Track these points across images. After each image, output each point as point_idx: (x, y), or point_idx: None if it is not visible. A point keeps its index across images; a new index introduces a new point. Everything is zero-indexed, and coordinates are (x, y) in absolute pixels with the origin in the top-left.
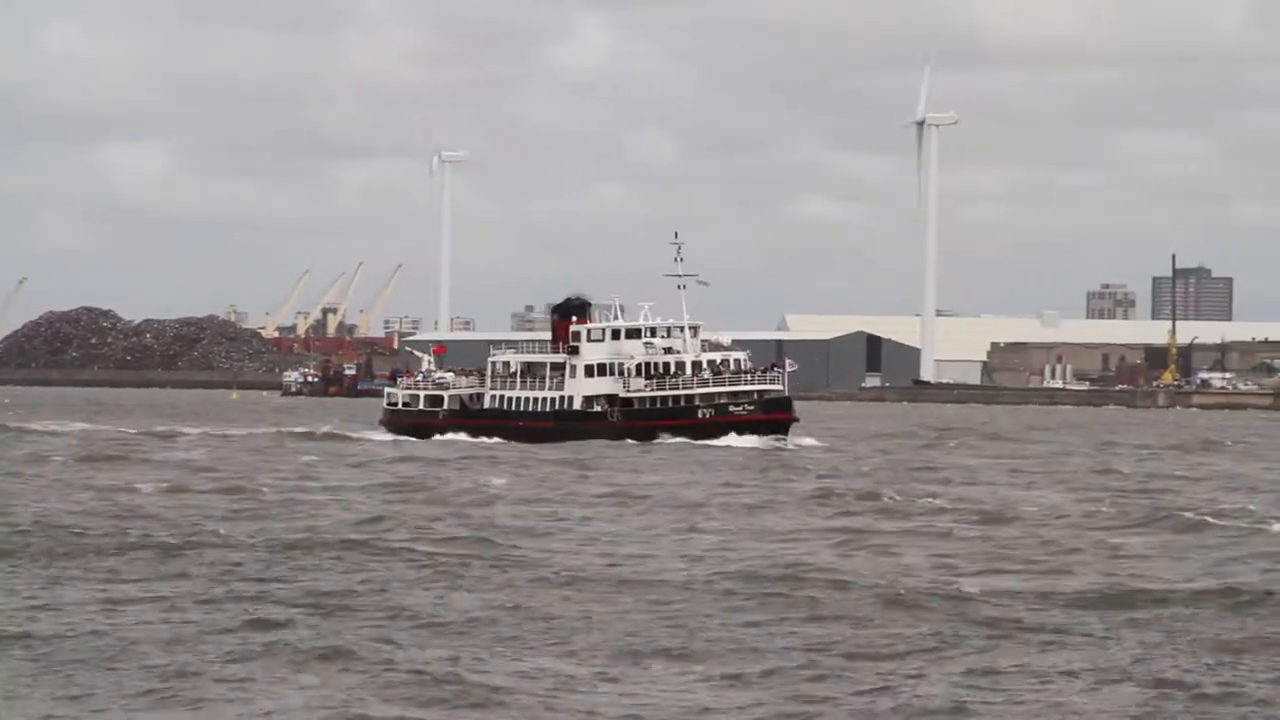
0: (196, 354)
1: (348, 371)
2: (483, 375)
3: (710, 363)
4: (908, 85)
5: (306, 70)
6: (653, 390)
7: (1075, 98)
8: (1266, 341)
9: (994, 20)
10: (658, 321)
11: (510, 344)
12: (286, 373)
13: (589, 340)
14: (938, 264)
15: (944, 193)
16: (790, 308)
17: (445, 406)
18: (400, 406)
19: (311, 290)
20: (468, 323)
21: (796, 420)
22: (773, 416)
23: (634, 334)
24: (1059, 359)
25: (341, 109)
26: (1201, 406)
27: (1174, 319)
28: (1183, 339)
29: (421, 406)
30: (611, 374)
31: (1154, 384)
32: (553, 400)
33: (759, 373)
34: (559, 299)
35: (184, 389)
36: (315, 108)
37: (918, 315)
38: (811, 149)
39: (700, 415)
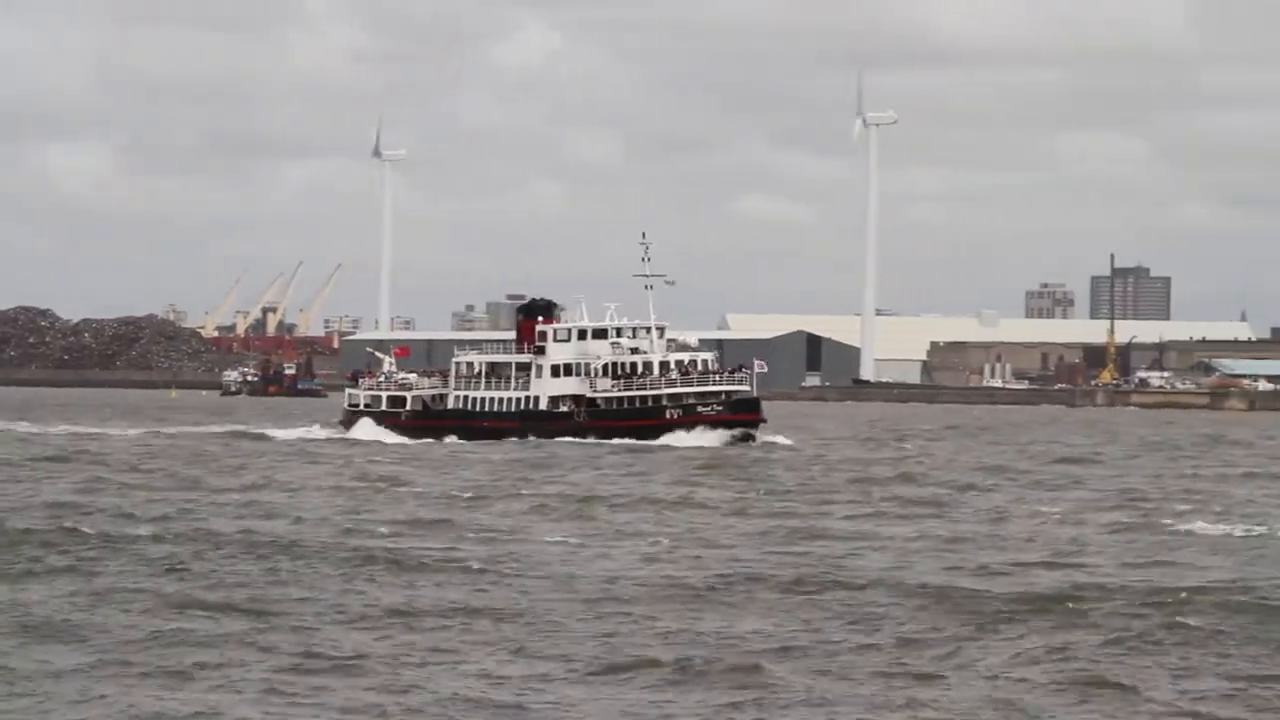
0: (135, 353)
1: (287, 371)
2: (445, 376)
3: (678, 363)
4: (850, 85)
5: (246, 69)
6: (620, 390)
7: (1015, 98)
8: (1204, 341)
9: (935, 20)
10: (624, 322)
11: (472, 344)
12: (226, 372)
13: (555, 340)
14: (877, 263)
15: (884, 192)
16: (731, 307)
17: (408, 407)
18: (362, 407)
19: (250, 289)
20: (408, 322)
21: (764, 421)
22: (740, 417)
23: (600, 334)
24: (998, 358)
25: (281, 108)
26: (1140, 406)
27: (1112, 318)
28: (1121, 338)
29: (384, 407)
30: (578, 374)
31: (1092, 383)
32: (518, 400)
33: (726, 374)
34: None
35: (123, 389)
36: (255, 106)
37: (858, 315)
38: (752, 149)
39: (668, 415)
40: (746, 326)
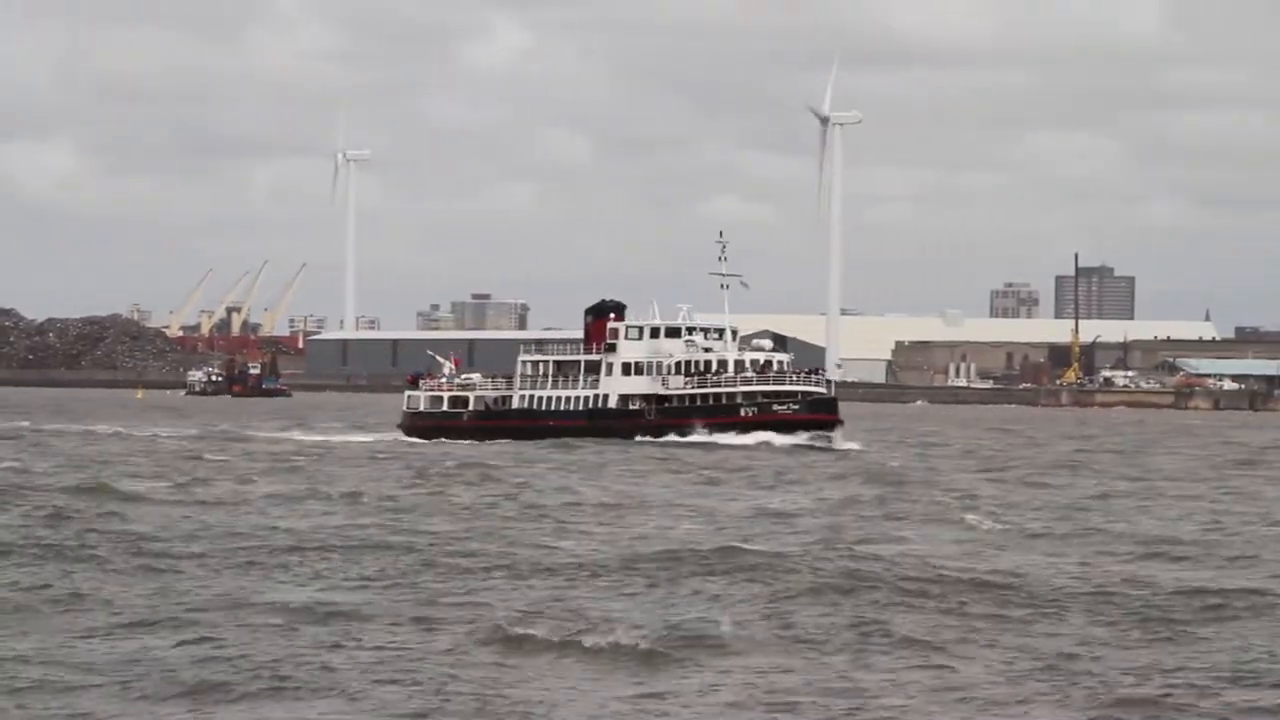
0: (100, 353)
1: (252, 370)
2: (509, 378)
3: (753, 362)
4: (816, 85)
5: (213, 68)
6: (693, 388)
7: (981, 98)
8: (1169, 340)
9: (902, 21)
10: (697, 321)
11: (536, 345)
12: (191, 372)
13: (626, 338)
14: (842, 263)
15: (849, 192)
16: (697, 307)
17: (470, 408)
18: (422, 409)
19: (215, 289)
20: (373, 322)
21: (841, 422)
22: (817, 417)
23: (673, 333)
24: (963, 358)
25: (249, 108)
26: (1104, 405)
27: (1077, 318)
28: (1085, 338)
29: (445, 408)
30: (649, 372)
31: (1057, 382)
32: (587, 399)
33: (803, 374)
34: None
35: (87, 389)
36: (222, 106)
37: (823, 314)
38: (720, 149)
39: (743, 414)
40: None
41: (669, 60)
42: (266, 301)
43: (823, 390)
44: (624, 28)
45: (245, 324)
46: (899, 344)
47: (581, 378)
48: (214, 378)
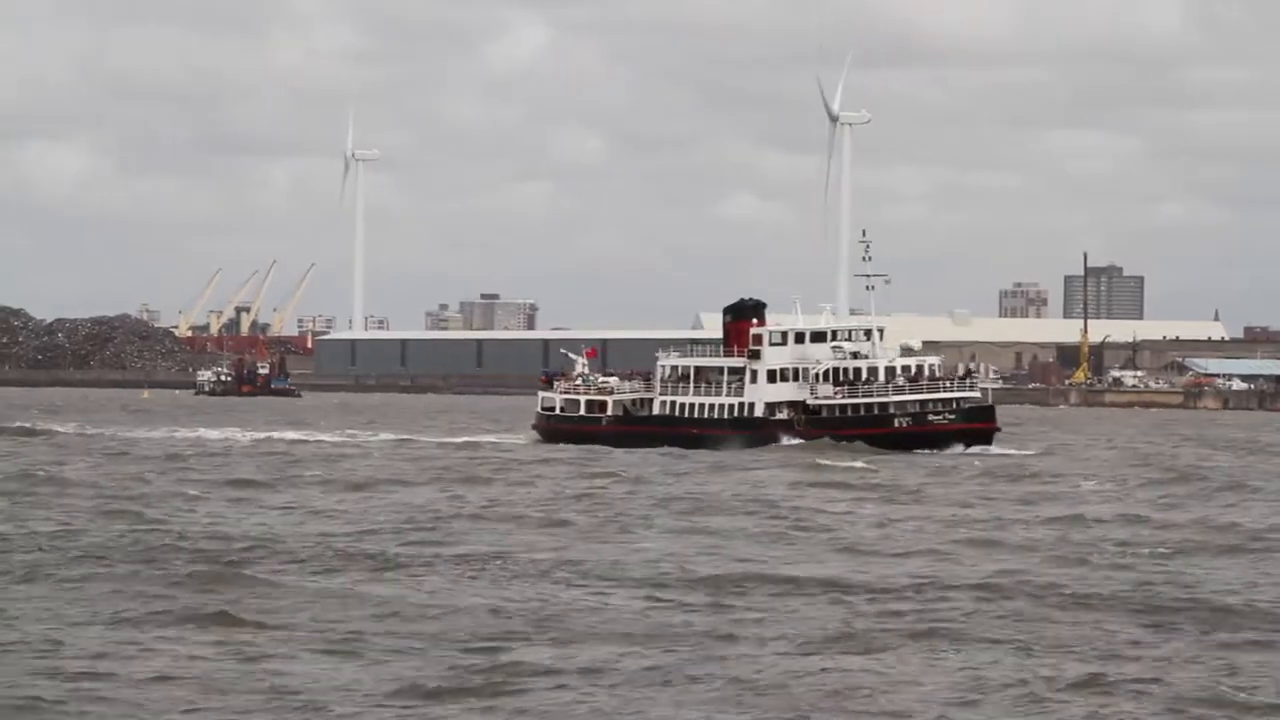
0: (109, 353)
1: (261, 370)
2: (647, 380)
3: (904, 368)
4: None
5: (224, 68)
6: (843, 397)
7: (990, 98)
8: (1178, 340)
9: (916, 19)
10: (843, 324)
11: (675, 346)
12: (199, 372)
13: (770, 344)
14: (850, 262)
15: (860, 191)
16: (708, 306)
17: (609, 412)
18: (558, 412)
19: (224, 289)
20: (381, 322)
21: (999, 430)
22: (974, 426)
23: (819, 337)
24: (972, 358)
25: (265, 107)
26: (1114, 405)
27: (1086, 318)
28: (1095, 338)
29: (582, 412)
30: (796, 379)
31: (1066, 382)
32: (731, 407)
33: (957, 379)
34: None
35: (97, 389)
36: (232, 106)
37: (834, 313)
38: (734, 147)
39: (897, 424)
40: (720, 325)
41: (684, 59)
42: (275, 301)
43: (978, 396)
44: (639, 27)
45: (254, 324)
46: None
47: (725, 384)
48: (223, 378)
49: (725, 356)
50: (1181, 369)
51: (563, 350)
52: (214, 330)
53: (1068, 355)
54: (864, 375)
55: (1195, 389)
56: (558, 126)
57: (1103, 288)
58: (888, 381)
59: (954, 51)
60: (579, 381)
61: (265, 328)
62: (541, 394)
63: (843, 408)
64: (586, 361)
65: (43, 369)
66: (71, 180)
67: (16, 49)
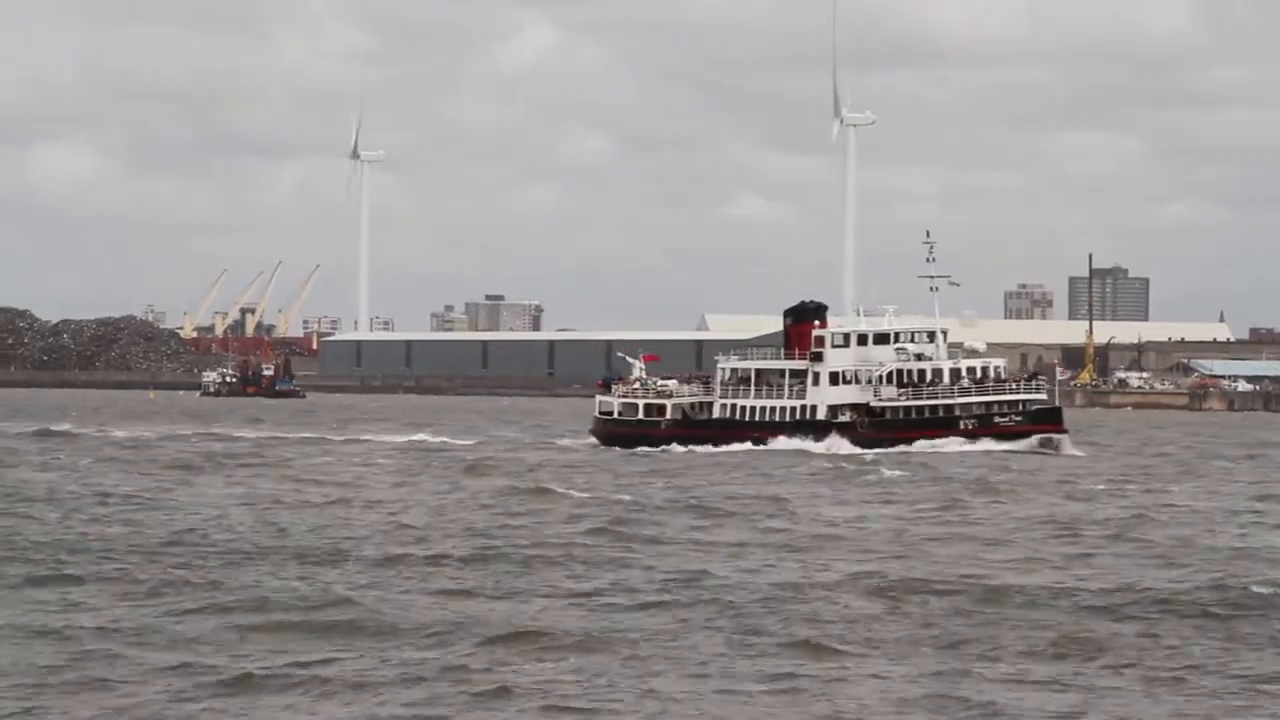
0: (114, 354)
1: (265, 372)
2: (705, 383)
3: (969, 370)
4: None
5: (230, 69)
6: (907, 400)
7: (996, 98)
8: (1183, 342)
9: (917, 19)
10: (907, 325)
11: (736, 348)
12: (205, 373)
13: (833, 346)
14: (857, 263)
15: (866, 192)
16: (712, 307)
17: (668, 416)
18: (616, 415)
19: (230, 290)
20: (387, 323)
21: (1066, 433)
22: (1042, 428)
23: (882, 339)
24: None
25: (266, 107)
26: (1119, 406)
27: (1091, 319)
28: (1100, 339)
29: (640, 416)
30: (859, 382)
31: (1072, 384)
32: (793, 410)
33: (1023, 380)
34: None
35: (103, 389)
36: (238, 106)
37: (838, 316)
38: (740, 148)
39: (962, 426)
40: (726, 327)
41: (689, 60)
42: (280, 302)
43: (1044, 398)
44: (640, 26)
45: (259, 325)
46: None
47: (786, 387)
48: (228, 379)
49: (786, 359)
50: (1187, 370)
51: (619, 353)
52: (219, 331)
53: (1073, 356)
54: (928, 377)
55: (1200, 390)
56: (561, 127)
57: (1108, 289)
58: (953, 383)
59: (954, 52)
60: (637, 385)
61: (270, 329)
62: (599, 398)
63: (906, 410)
64: (644, 365)
65: (48, 370)
66: (73, 181)
67: (17, 49)
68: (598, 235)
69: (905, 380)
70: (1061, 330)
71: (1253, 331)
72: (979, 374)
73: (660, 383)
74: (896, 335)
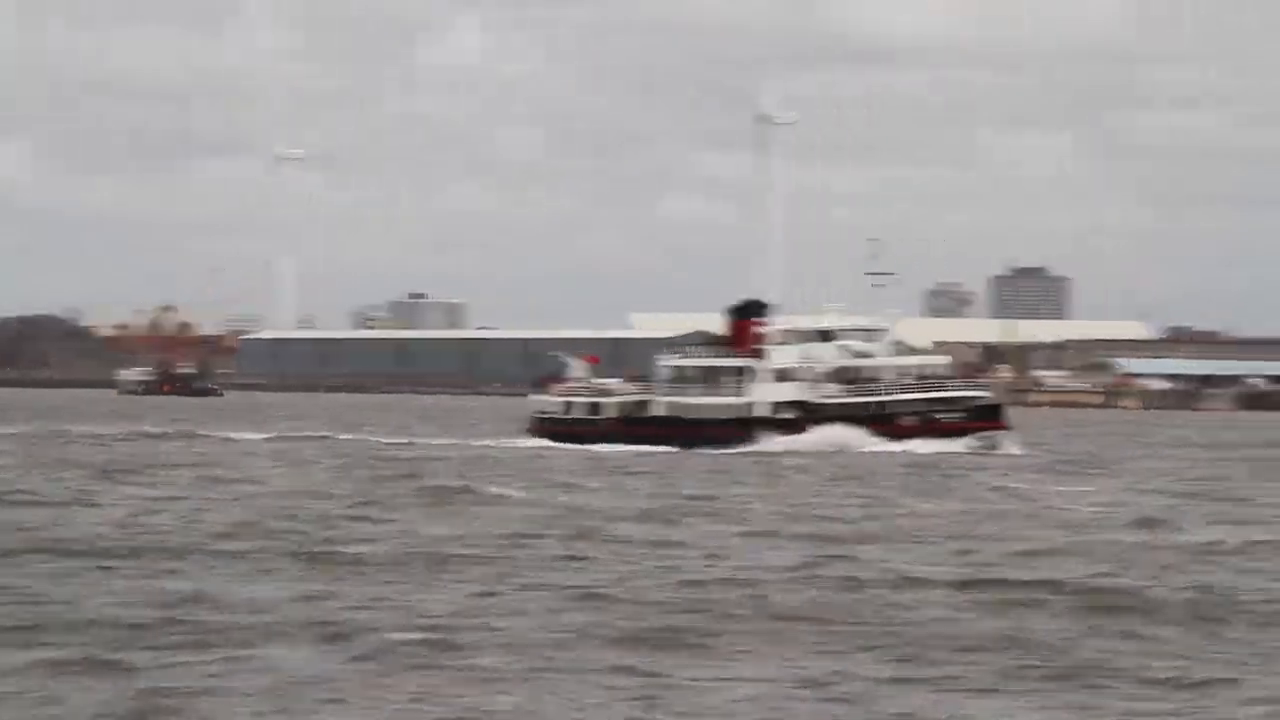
0: (31, 352)
1: (183, 370)
2: (646, 382)
3: (911, 368)
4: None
5: (173, 67)
6: (849, 397)
7: (923, 96)
8: (1103, 340)
9: (852, 20)
10: (849, 323)
11: (676, 346)
12: (122, 372)
13: (776, 343)
14: (782, 262)
15: (799, 190)
16: (638, 306)
17: (604, 415)
18: (557, 415)
19: (149, 288)
20: (309, 321)
21: (1009, 429)
22: (983, 425)
23: (825, 336)
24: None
25: (203, 106)
26: (1036, 404)
27: (1011, 318)
28: (1020, 337)
29: (578, 414)
30: (802, 379)
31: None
32: (735, 407)
33: (965, 379)
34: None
35: (20, 388)
36: (169, 104)
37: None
38: (675, 147)
39: (903, 423)
40: (649, 326)
41: (629, 58)
42: (201, 301)
43: (988, 394)
44: (578, 25)
45: (179, 324)
46: None
47: (727, 384)
48: (145, 377)
49: (728, 357)
50: (1105, 369)
51: (552, 353)
52: (138, 329)
53: (993, 355)
54: (870, 375)
55: (1116, 389)
56: (497, 125)
57: (1029, 288)
58: (896, 381)
59: (885, 50)
60: (576, 384)
61: (190, 327)
62: (535, 396)
63: (848, 407)
64: (586, 365)
65: None
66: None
67: None
68: (533, 232)
69: (848, 378)
70: (982, 329)
71: (1171, 330)
72: (920, 371)
73: (600, 381)
74: (840, 333)
